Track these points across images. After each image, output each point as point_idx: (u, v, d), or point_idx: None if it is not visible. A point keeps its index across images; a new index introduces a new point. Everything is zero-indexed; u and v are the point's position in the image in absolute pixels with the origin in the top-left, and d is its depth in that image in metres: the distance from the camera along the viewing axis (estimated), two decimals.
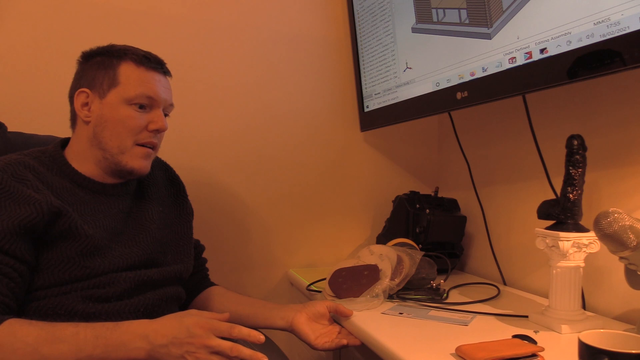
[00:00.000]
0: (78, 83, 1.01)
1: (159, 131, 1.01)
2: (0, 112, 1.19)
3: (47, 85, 1.33)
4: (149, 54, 1.02)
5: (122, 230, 0.99)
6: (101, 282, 0.92)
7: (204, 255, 1.25)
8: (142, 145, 0.99)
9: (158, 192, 1.11)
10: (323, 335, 1.05)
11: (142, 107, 0.99)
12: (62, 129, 1.07)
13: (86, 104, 0.99)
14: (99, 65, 0.99)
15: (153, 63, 1.01)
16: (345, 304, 1.11)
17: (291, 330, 1.07)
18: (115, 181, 1.02)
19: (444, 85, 1.28)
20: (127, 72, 0.98)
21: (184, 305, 1.16)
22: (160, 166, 1.17)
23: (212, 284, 1.22)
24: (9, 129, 1.15)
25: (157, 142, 1.02)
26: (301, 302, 1.47)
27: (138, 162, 0.99)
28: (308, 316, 1.07)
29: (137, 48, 1.03)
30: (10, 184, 0.87)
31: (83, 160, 0.99)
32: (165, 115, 1.05)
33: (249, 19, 1.57)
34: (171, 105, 1.06)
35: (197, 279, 1.20)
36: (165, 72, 1.05)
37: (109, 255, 0.94)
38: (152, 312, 0.95)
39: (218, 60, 1.55)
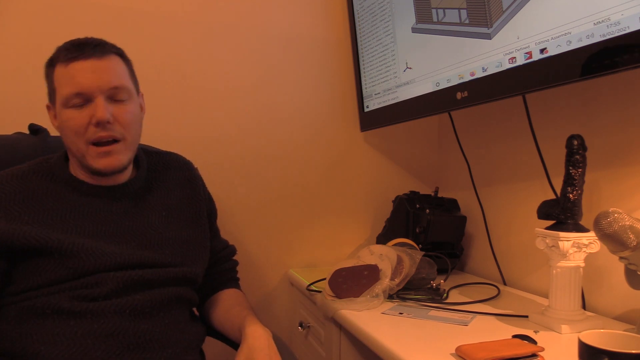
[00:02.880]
0: None
1: (99, 123, 0.92)
2: (44, 117, 1.21)
3: None
4: (72, 44, 0.95)
5: (113, 231, 0.98)
6: (89, 281, 0.92)
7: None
8: (97, 142, 0.95)
9: (168, 194, 1.09)
10: None
11: (80, 105, 0.93)
12: None
13: (55, 116, 0.99)
14: (45, 76, 0.99)
15: (73, 53, 0.93)
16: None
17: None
18: (113, 182, 1.01)
19: (444, 85, 1.27)
20: (57, 76, 0.94)
21: (200, 306, 1.15)
22: (180, 167, 1.14)
23: (230, 287, 1.18)
24: (52, 134, 1.17)
25: (113, 133, 0.94)
26: (301, 303, 1.48)
27: (99, 162, 0.95)
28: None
29: (67, 42, 0.95)
30: None
31: (76, 166, 1.01)
32: (120, 101, 0.95)
33: (249, 19, 1.57)
34: (115, 87, 0.94)
35: (218, 281, 1.17)
36: (92, 55, 0.93)
37: (95, 255, 0.93)
38: (140, 312, 0.93)
39: (218, 61, 1.55)
